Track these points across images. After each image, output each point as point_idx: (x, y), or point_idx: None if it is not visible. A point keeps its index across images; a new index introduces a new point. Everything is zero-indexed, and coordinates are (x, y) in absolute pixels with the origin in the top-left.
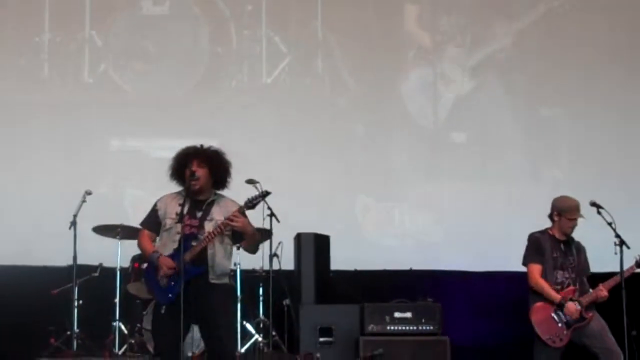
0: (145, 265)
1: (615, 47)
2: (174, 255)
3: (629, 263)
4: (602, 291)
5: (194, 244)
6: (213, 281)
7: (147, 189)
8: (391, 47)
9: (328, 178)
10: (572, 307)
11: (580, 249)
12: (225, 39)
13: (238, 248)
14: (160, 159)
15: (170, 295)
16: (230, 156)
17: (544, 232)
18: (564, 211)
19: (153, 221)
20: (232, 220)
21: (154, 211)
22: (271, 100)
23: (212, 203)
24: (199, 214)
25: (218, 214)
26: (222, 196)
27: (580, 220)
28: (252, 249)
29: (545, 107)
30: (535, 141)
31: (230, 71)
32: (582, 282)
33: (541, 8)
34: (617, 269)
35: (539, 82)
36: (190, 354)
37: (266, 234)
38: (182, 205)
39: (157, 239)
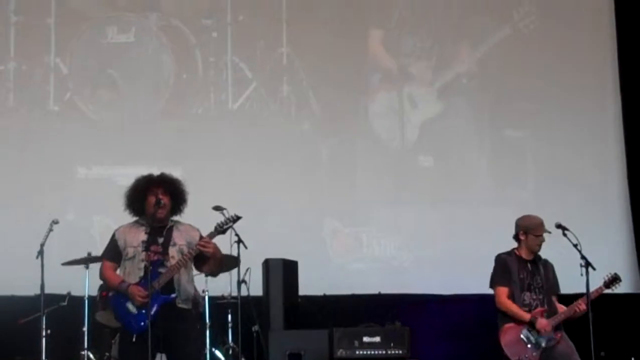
0: (111, 294)
1: (580, 68)
2: (141, 284)
3: (596, 284)
4: (581, 305)
5: (160, 270)
6: (180, 306)
7: (115, 216)
8: (357, 70)
9: (295, 203)
10: (544, 321)
11: (548, 267)
12: (191, 66)
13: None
14: (127, 187)
15: (142, 323)
16: (196, 182)
17: (510, 253)
18: (530, 229)
19: (114, 252)
20: (204, 247)
21: (113, 242)
22: (237, 126)
23: (171, 229)
24: (161, 240)
25: (179, 239)
26: (178, 221)
27: (547, 237)
28: (216, 273)
29: (510, 129)
30: (501, 163)
31: (196, 98)
32: (550, 302)
33: (506, 29)
34: (584, 290)
35: (505, 104)
36: None
37: (233, 261)
38: (149, 233)
39: (119, 269)
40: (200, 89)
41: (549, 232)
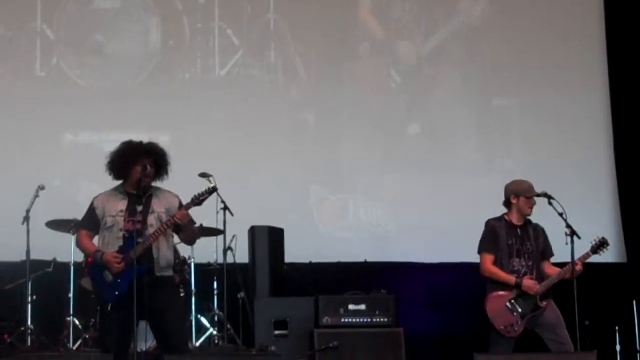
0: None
1: (569, 37)
2: (119, 253)
3: (583, 251)
4: (577, 265)
5: (139, 240)
6: (158, 274)
7: (101, 182)
8: (344, 37)
9: (282, 170)
10: (529, 282)
11: (538, 232)
12: (178, 32)
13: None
14: (113, 150)
15: (116, 292)
16: (183, 149)
17: (500, 219)
18: (521, 192)
19: (91, 220)
20: (179, 220)
21: (91, 210)
22: (224, 92)
23: (150, 196)
24: (140, 208)
25: (159, 206)
26: (158, 188)
27: (533, 211)
28: (191, 242)
29: (498, 97)
30: (488, 131)
31: (183, 64)
32: (539, 268)
33: None
34: (569, 259)
35: (493, 73)
36: (144, 349)
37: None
38: (129, 201)
39: (97, 237)
40: (187, 55)
41: (540, 195)
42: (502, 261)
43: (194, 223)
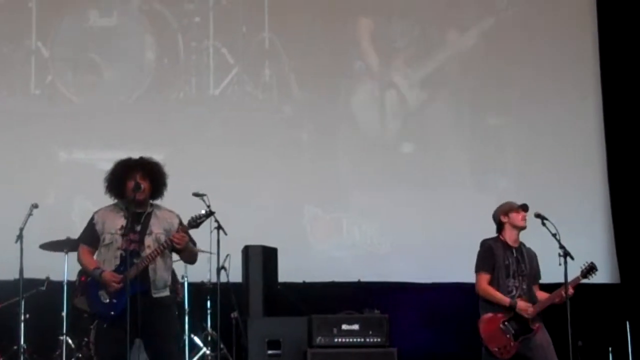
0: (89, 279)
1: (562, 57)
2: (116, 272)
3: (575, 274)
4: (569, 289)
5: (135, 260)
6: (155, 296)
7: (95, 200)
8: (339, 56)
9: (276, 189)
10: (523, 303)
11: (532, 256)
12: (173, 51)
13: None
14: (107, 170)
15: (112, 312)
16: (177, 168)
17: (496, 239)
18: (508, 209)
19: (91, 235)
20: (177, 242)
21: (91, 226)
22: (218, 111)
23: (149, 215)
24: (138, 228)
25: (157, 227)
26: (158, 206)
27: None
28: (191, 261)
29: (492, 116)
30: (482, 151)
31: (177, 83)
32: (532, 291)
33: (490, 19)
34: (562, 280)
35: (486, 92)
36: None
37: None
38: (128, 219)
39: (96, 253)
40: (181, 73)
41: (534, 216)
42: (498, 281)
43: (194, 243)
